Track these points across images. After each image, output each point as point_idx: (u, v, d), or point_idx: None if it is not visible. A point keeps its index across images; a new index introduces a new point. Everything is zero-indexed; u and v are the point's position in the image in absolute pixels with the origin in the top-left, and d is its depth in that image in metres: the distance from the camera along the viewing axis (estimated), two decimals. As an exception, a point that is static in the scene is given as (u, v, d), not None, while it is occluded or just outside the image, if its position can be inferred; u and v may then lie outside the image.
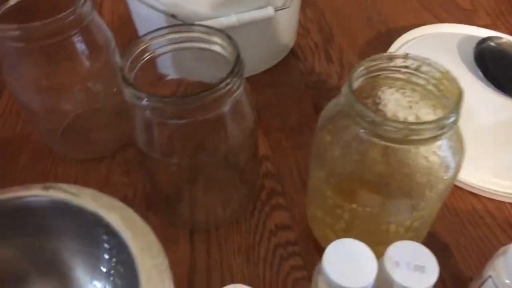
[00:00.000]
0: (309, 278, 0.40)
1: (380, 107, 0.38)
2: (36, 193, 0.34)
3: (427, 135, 0.28)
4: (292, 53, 0.63)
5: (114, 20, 0.70)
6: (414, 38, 0.62)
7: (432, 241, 0.42)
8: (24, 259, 0.35)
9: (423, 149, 0.31)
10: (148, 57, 0.37)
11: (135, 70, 0.36)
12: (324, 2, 0.72)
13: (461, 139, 0.32)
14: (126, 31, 0.64)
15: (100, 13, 0.70)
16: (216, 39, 0.36)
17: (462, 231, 0.43)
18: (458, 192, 0.46)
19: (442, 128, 0.28)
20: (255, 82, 0.58)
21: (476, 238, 0.43)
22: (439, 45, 0.60)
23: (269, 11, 0.51)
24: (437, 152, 0.31)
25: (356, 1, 0.72)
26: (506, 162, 0.48)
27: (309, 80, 0.59)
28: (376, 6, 0.71)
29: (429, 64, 0.32)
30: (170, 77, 0.48)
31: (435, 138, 0.29)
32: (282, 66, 0.61)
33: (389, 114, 0.37)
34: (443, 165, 0.31)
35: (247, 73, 0.59)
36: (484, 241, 0.42)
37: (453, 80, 0.30)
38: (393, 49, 0.59)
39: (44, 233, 0.35)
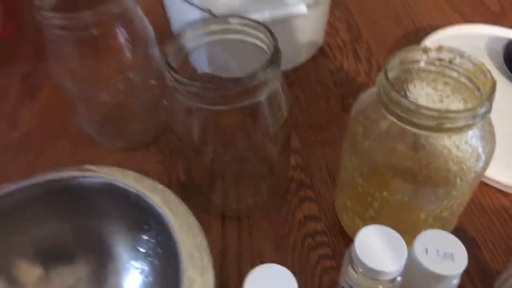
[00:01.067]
0: (337, 267, 0.41)
1: (413, 100, 0.39)
2: (82, 175, 0.36)
3: (461, 123, 0.29)
4: (321, 52, 0.64)
5: (148, 15, 0.72)
6: (442, 39, 0.62)
7: (459, 235, 0.42)
8: (71, 236, 0.37)
9: (456, 138, 0.31)
10: (188, 47, 0.38)
11: (175, 60, 0.38)
12: (353, 2, 0.73)
13: (492, 130, 0.33)
14: (160, 26, 0.66)
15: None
16: (253, 31, 0.37)
17: (489, 226, 0.43)
18: (485, 188, 0.46)
19: (475, 117, 0.29)
20: (284, 79, 0.60)
21: (503, 234, 0.43)
22: (467, 45, 0.60)
23: (302, 8, 0.52)
24: (468, 141, 0.31)
25: (385, 1, 0.73)
26: (535, 160, 0.48)
27: (337, 78, 0.60)
28: (404, 6, 0.72)
29: (463, 57, 0.33)
30: (202, 71, 0.50)
31: (467, 126, 0.29)
32: (311, 64, 0.62)
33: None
34: (474, 155, 0.32)
35: (276, 70, 0.60)
36: (511, 236, 0.43)
37: (487, 72, 0.31)
38: (421, 48, 0.60)
39: (89, 212, 0.37)
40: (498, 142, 0.49)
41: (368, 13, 0.71)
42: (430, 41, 0.62)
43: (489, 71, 0.31)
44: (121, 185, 0.34)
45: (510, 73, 0.55)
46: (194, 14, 0.53)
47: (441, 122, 0.29)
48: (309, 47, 0.63)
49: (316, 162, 0.50)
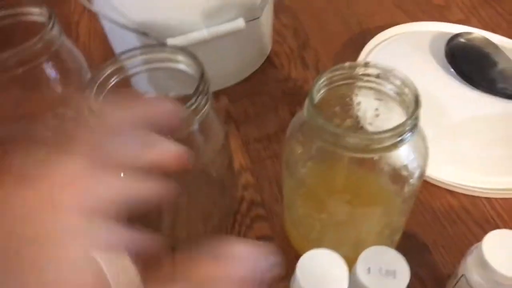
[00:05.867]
0: None
1: (351, 113, 0.39)
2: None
3: (387, 143, 0.29)
4: (268, 61, 0.63)
5: (91, 39, 0.70)
6: (387, 39, 0.62)
7: (409, 241, 0.43)
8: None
9: (387, 156, 0.31)
10: (114, 81, 0.37)
11: (104, 93, 0.37)
12: (299, 7, 0.72)
13: (424, 141, 0.33)
14: (104, 49, 0.64)
15: (77, 33, 0.71)
16: (180, 57, 0.36)
17: (439, 229, 0.44)
18: (434, 189, 0.47)
19: (401, 135, 0.29)
20: (232, 93, 0.59)
21: (453, 235, 0.43)
22: (411, 44, 0.61)
23: (240, 23, 0.51)
24: (400, 158, 0.31)
25: (331, 4, 0.73)
26: (480, 156, 0.48)
27: (285, 87, 0.60)
28: (351, 8, 0.71)
29: (389, 71, 0.32)
30: (149, 95, 0.49)
31: (395, 145, 0.29)
32: (259, 75, 0.62)
33: (361, 119, 0.38)
34: (407, 170, 0.32)
35: (224, 84, 0.60)
36: (461, 238, 0.43)
37: (411, 86, 0.31)
38: (366, 51, 0.60)
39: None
40: (442, 139, 0.49)
41: (315, 17, 0.70)
42: (376, 43, 0.62)
43: (413, 85, 0.31)
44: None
45: (452, 69, 0.55)
46: (133, 39, 0.52)
47: (368, 144, 0.29)
48: (256, 58, 0.62)
49: (267, 177, 0.49)
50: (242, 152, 0.52)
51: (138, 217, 0.44)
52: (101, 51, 0.66)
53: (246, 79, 0.61)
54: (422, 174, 0.32)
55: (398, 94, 0.32)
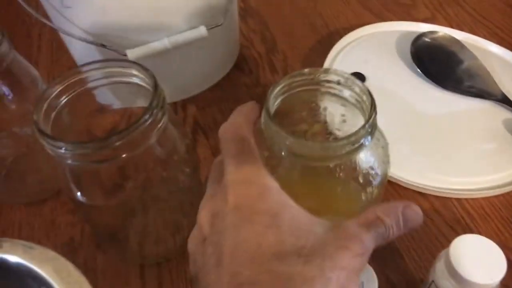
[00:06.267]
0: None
1: (318, 118, 0.38)
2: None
3: (343, 151, 0.28)
4: (236, 66, 0.62)
5: (54, 51, 0.68)
6: (354, 40, 0.62)
7: (380, 246, 0.42)
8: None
9: (345, 163, 0.30)
10: (71, 94, 0.35)
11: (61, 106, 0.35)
12: (266, 11, 0.72)
13: (385, 148, 0.32)
14: (68, 60, 0.63)
15: (39, 45, 0.69)
16: (134, 71, 0.35)
17: (410, 232, 0.43)
18: (404, 192, 0.46)
19: (357, 142, 0.28)
20: (200, 101, 0.58)
21: (424, 238, 0.43)
22: (378, 45, 0.61)
23: (202, 31, 0.50)
24: (359, 164, 0.31)
25: (298, 7, 0.72)
26: (450, 157, 0.48)
27: (254, 93, 0.59)
28: (317, 10, 0.71)
29: (347, 78, 0.32)
30: (113, 107, 0.48)
31: (351, 153, 0.28)
32: (227, 81, 0.61)
33: (329, 125, 0.37)
34: (368, 176, 0.31)
35: (191, 92, 0.59)
36: (432, 241, 0.43)
37: (367, 93, 0.30)
38: (333, 53, 0.59)
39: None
40: (411, 142, 0.49)
41: (282, 21, 0.70)
42: (343, 44, 0.61)
43: (369, 92, 0.30)
44: (7, 259, 0.31)
45: (418, 69, 0.55)
46: (92, 51, 0.50)
47: (323, 153, 0.28)
48: (223, 64, 0.61)
49: (237, 187, 0.48)
50: (211, 161, 0.51)
51: (105, 238, 0.43)
52: (65, 62, 0.64)
53: (214, 86, 0.60)
54: (383, 180, 0.32)
55: (358, 101, 0.32)
